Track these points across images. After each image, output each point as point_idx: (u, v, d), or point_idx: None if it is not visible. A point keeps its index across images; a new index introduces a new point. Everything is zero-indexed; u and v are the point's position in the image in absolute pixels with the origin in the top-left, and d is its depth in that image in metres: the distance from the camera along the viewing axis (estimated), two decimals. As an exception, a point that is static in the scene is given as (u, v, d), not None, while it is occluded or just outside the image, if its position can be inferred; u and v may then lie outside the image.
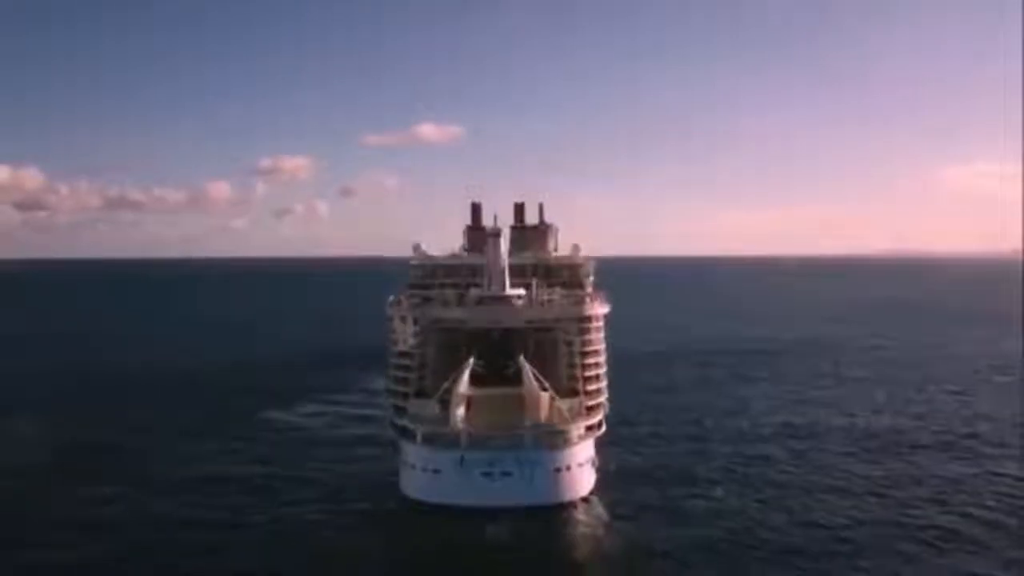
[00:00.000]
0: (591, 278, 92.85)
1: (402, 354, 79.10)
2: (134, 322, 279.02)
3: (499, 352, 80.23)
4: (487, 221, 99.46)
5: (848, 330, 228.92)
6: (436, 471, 70.63)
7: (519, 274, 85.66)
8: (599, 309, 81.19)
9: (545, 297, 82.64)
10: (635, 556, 63.13)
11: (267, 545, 64.93)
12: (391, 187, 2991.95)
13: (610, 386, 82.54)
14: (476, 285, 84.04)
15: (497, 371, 78.39)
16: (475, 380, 74.57)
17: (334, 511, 72.17)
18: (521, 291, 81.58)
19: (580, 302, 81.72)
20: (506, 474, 69.02)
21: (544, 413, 72.45)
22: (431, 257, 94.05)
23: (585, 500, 72.70)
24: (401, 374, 78.51)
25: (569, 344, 79.05)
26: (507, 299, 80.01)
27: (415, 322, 79.20)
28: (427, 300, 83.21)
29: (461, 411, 71.84)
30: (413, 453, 72.61)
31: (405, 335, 79.29)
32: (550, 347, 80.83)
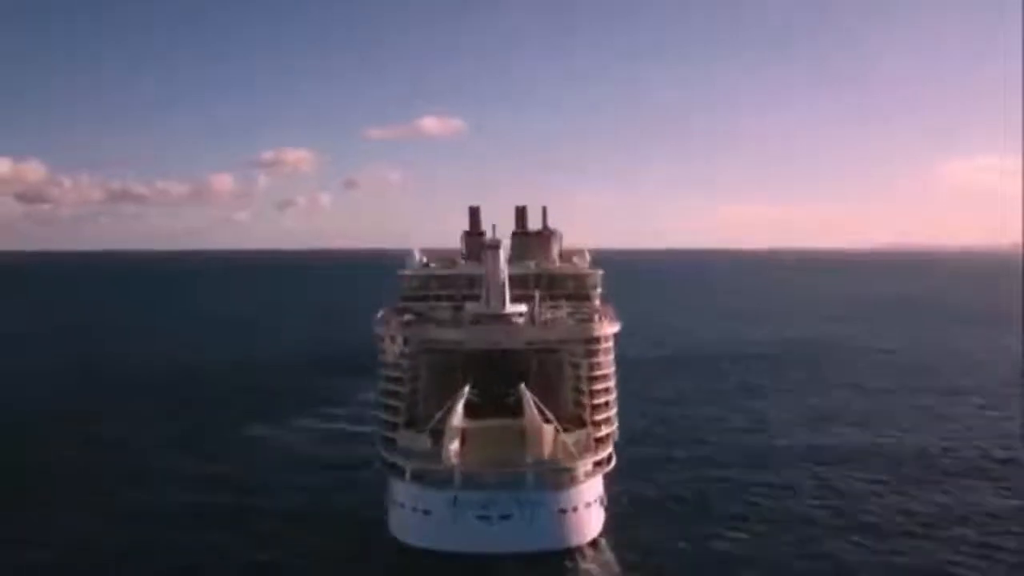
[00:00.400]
0: (598, 289, 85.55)
1: (391, 378, 71.40)
2: (134, 317, 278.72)
3: (498, 376, 72.45)
4: (487, 225, 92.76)
5: (854, 330, 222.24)
6: (426, 512, 63.23)
7: (520, 285, 78.31)
8: (608, 329, 72.94)
9: (549, 315, 74.80)
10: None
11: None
12: (394, 180, 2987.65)
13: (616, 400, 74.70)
14: (474, 297, 76.53)
15: (495, 399, 70.52)
16: (471, 410, 66.83)
17: (316, 551, 65.12)
18: (522, 308, 73.72)
19: (587, 321, 73.61)
20: (505, 517, 61.65)
21: (548, 448, 64.95)
22: (425, 266, 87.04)
23: (593, 544, 65.17)
24: (390, 401, 70.82)
25: (575, 367, 71.34)
26: (506, 318, 72.21)
27: (405, 342, 71.53)
28: (420, 316, 75.64)
29: (455, 445, 64.39)
30: (402, 491, 65.23)
31: (395, 356, 71.68)
32: (554, 370, 73.32)
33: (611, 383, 72.15)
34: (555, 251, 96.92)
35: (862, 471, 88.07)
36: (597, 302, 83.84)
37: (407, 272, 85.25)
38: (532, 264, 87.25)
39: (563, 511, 63.47)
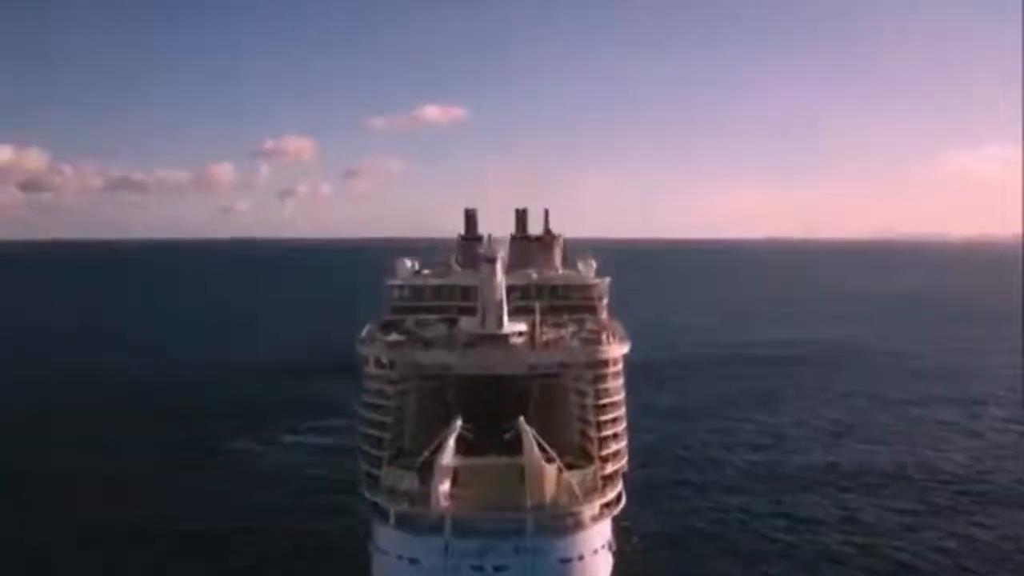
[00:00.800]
0: (605, 301, 78.38)
1: (375, 406, 64.00)
2: (134, 312, 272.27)
3: (494, 403, 64.94)
4: (486, 226, 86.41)
5: (860, 329, 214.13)
6: (413, 561, 56.08)
7: (520, 296, 71.17)
8: (618, 351, 65.35)
9: (551, 335, 67.45)
10: None
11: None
12: (395, 170, 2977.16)
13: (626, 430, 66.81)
14: (469, 309, 69.21)
15: (491, 432, 62.96)
16: (464, 446, 59.48)
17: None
18: (522, 326, 66.26)
19: (594, 343, 65.87)
20: (501, 568, 54.57)
21: (550, 490, 57.63)
22: (417, 274, 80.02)
23: (600, 596, 58.28)
24: (374, 432, 63.44)
25: (581, 395, 63.97)
26: (504, 339, 64.73)
27: (392, 366, 64.23)
28: (409, 336, 68.28)
29: (445, 487, 57.00)
30: (386, 537, 58.11)
31: (379, 382, 64.37)
32: (557, 397, 65.95)
33: (621, 411, 64.57)
34: (558, 257, 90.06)
35: (890, 499, 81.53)
36: (604, 315, 76.75)
37: (397, 282, 78.18)
38: (533, 273, 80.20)
39: (567, 560, 56.26)
